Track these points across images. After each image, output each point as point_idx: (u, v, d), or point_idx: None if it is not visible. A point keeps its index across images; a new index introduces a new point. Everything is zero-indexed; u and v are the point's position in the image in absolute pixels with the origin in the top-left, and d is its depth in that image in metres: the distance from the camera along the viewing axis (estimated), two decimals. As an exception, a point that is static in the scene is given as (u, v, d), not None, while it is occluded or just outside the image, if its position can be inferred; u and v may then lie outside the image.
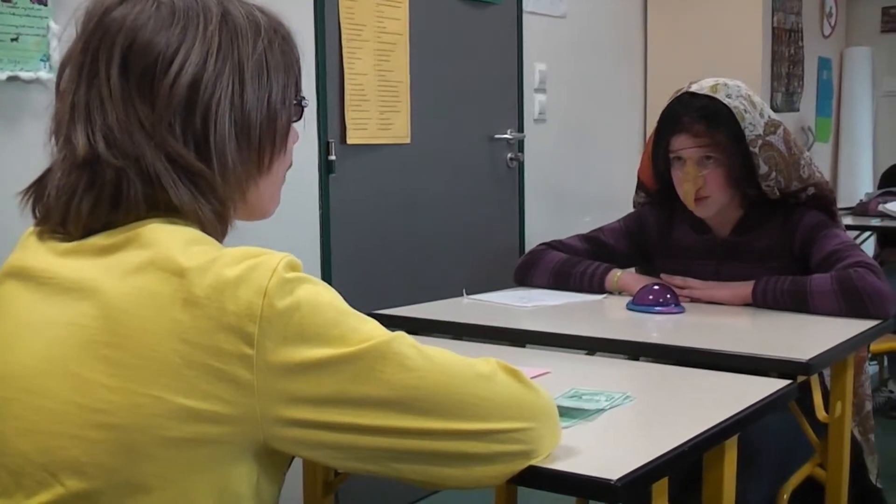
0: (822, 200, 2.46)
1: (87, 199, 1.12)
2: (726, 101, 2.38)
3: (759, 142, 2.37)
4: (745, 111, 2.37)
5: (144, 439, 1.03)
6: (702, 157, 2.41)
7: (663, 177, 2.54)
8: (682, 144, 2.43)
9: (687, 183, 2.42)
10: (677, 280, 2.47)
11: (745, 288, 2.36)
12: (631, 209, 2.77)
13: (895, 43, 6.34)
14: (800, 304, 2.26)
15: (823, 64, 6.02)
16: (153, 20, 1.14)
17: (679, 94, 2.47)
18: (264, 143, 1.21)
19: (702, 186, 2.41)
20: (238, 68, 1.17)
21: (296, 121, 1.27)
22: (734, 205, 2.49)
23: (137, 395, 1.03)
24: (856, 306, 2.20)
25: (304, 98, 1.28)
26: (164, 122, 1.12)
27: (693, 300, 2.42)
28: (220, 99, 1.15)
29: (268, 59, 1.20)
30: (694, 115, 2.41)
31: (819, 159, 5.93)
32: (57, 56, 2.44)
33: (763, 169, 2.38)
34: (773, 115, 2.43)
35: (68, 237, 1.15)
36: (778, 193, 2.42)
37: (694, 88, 2.43)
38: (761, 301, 2.32)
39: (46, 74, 2.44)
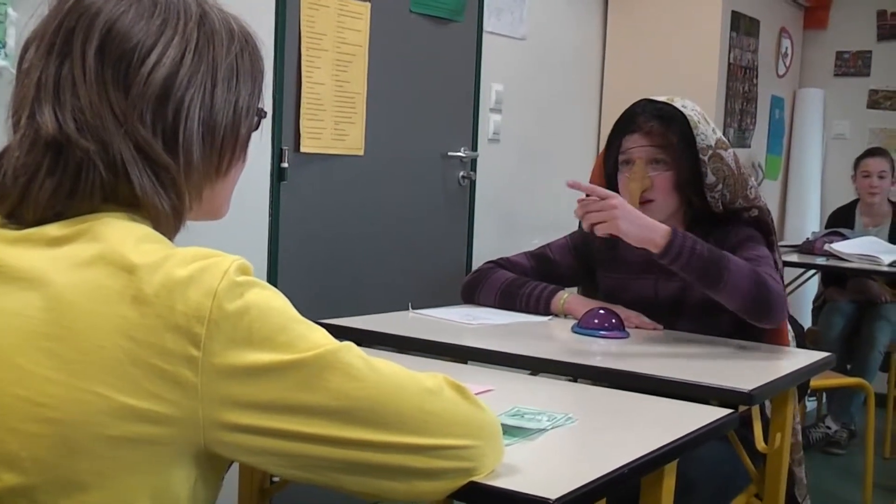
0: (763, 226, 2.47)
1: (48, 182, 1.10)
2: (682, 109, 2.45)
3: (710, 152, 2.41)
4: (699, 122, 2.43)
5: (84, 436, 1.01)
6: (652, 158, 2.43)
7: (611, 181, 2.55)
8: (634, 143, 2.46)
9: (634, 182, 2.43)
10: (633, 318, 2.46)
11: (658, 232, 2.19)
12: (579, 231, 2.77)
13: (847, 86, 6.43)
14: (714, 272, 2.17)
15: (776, 103, 6.09)
16: (134, 9, 1.14)
17: (637, 101, 2.53)
18: (226, 147, 1.21)
19: (648, 188, 2.42)
20: (212, 69, 1.17)
21: (254, 130, 1.27)
22: (676, 219, 2.49)
23: (80, 390, 1.01)
24: (762, 301, 2.18)
25: (263, 110, 1.28)
26: (136, 110, 1.11)
27: (637, 327, 2.42)
28: (193, 96, 1.15)
29: (238, 66, 1.21)
30: (649, 115, 2.46)
31: (768, 196, 5.98)
32: (13, 43, 2.41)
33: (710, 179, 2.40)
34: (724, 139, 2.46)
35: (18, 225, 1.13)
36: (721, 207, 2.44)
37: (652, 97, 2.51)
38: (675, 253, 2.17)
39: (2, 61, 2.41)
